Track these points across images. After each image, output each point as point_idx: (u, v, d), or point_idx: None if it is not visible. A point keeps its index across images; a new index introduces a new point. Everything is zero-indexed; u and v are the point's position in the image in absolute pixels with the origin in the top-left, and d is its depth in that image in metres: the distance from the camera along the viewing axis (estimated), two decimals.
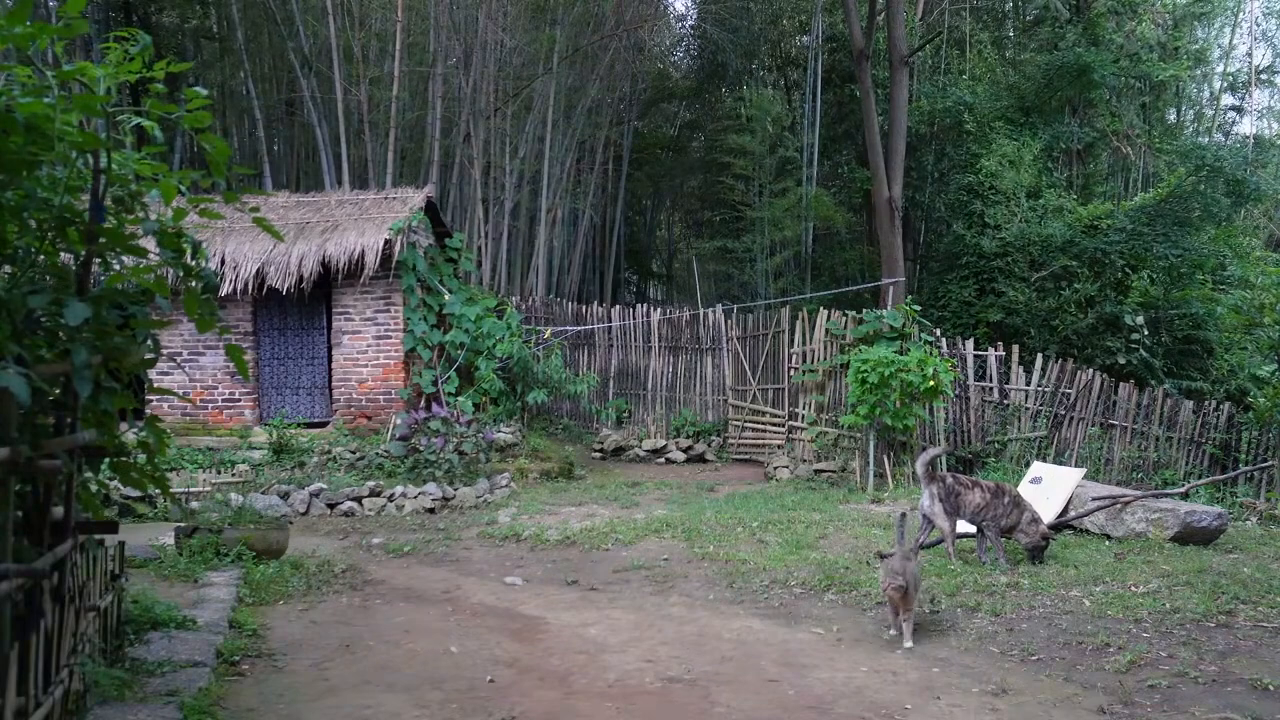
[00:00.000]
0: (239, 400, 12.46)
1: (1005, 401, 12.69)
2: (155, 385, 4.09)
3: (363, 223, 12.55)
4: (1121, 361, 16.26)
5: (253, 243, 12.06)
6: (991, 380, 12.82)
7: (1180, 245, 16.67)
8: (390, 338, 12.48)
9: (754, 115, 21.32)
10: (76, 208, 3.35)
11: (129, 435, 3.80)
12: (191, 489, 9.99)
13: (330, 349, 12.65)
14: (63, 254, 3.48)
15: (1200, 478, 11.27)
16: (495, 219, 19.56)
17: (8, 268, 3.29)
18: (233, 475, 10.78)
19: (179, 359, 11.84)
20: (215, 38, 20.69)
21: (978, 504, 7.28)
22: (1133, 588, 6.45)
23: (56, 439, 3.23)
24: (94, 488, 3.97)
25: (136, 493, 9.20)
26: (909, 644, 5.44)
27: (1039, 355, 13.03)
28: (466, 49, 19.05)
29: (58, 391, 3.28)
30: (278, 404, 12.70)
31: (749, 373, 15.22)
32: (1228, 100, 27.89)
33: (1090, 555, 7.45)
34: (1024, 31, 24.25)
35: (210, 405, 12.39)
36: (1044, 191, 18.76)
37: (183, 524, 7.47)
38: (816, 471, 12.44)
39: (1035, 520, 7.27)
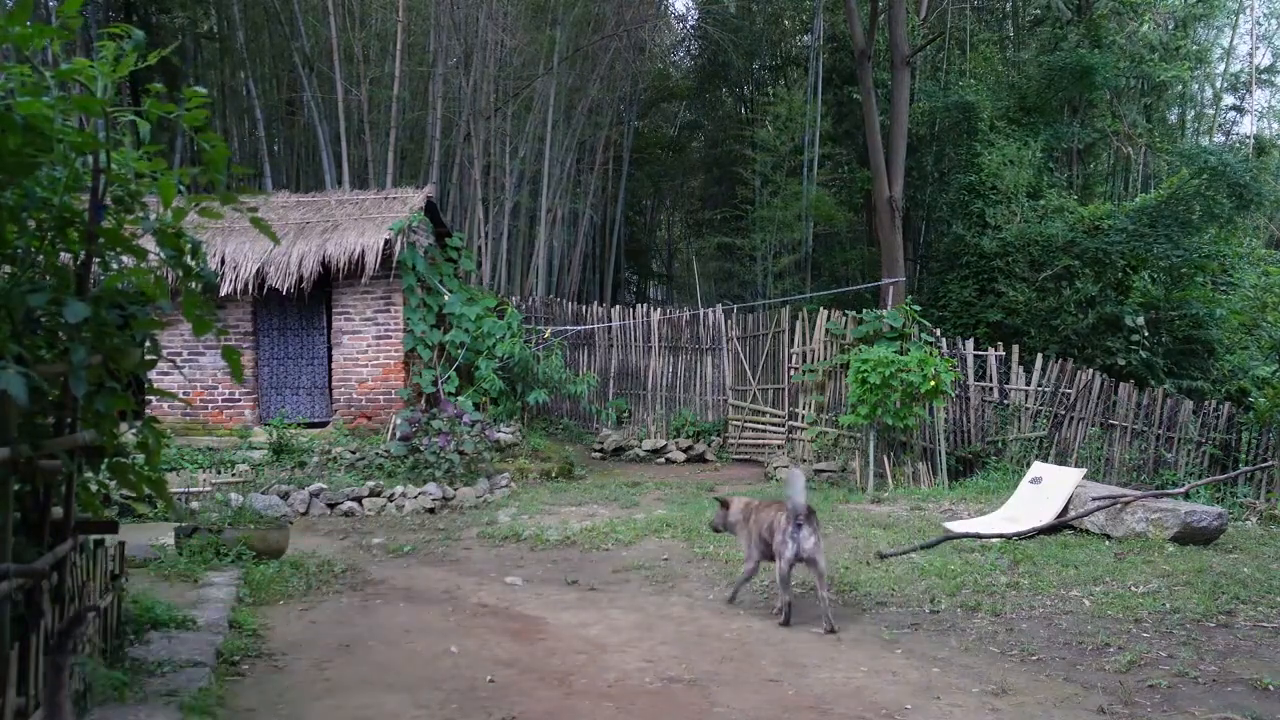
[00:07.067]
0: (239, 400, 12.46)
1: (1005, 401, 12.68)
2: (154, 386, 4.09)
3: (363, 223, 12.54)
4: (1122, 362, 16.25)
5: (253, 243, 12.05)
6: (991, 380, 12.81)
7: (1181, 246, 16.68)
8: (390, 338, 12.47)
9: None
10: (76, 208, 3.35)
11: (128, 436, 3.80)
12: (191, 489, 9.97)
13: (330, 349, 12.64)
14: (63, 254, 3.48)
15: (1200, 478, 11.27)
16: (495, 219, 19.55)
17: (8, 268, 3.29)
18: (233, 475, 10.76)
19: (178, 359, 11.83)
20: (216, 38, 20.68)
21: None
22: (1133, 588, 6.45)
23: (57, 439, 3.23)
24: (94, 488, 3.97)
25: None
26: None
27: (1039, 355, 13.02)
28: (466, 49, 19.05)
29: (57, 392, 3.28)
30: (278, 404, 12.69)
31: (749, 373, 15.21)
32: (1229, 100, 27.92)
33: (1090, 555, 7.44)
34: (1025, 31, 24.27)
35: (210, 405, 12.38)
36: (1045, 191, 18.74)
37: (183, 524, 7.47)
38: (816, 471, 12.43)
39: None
